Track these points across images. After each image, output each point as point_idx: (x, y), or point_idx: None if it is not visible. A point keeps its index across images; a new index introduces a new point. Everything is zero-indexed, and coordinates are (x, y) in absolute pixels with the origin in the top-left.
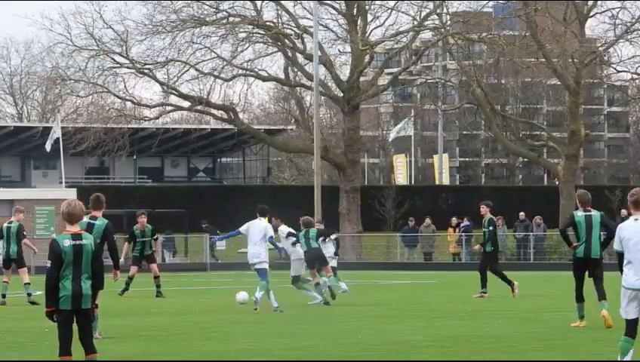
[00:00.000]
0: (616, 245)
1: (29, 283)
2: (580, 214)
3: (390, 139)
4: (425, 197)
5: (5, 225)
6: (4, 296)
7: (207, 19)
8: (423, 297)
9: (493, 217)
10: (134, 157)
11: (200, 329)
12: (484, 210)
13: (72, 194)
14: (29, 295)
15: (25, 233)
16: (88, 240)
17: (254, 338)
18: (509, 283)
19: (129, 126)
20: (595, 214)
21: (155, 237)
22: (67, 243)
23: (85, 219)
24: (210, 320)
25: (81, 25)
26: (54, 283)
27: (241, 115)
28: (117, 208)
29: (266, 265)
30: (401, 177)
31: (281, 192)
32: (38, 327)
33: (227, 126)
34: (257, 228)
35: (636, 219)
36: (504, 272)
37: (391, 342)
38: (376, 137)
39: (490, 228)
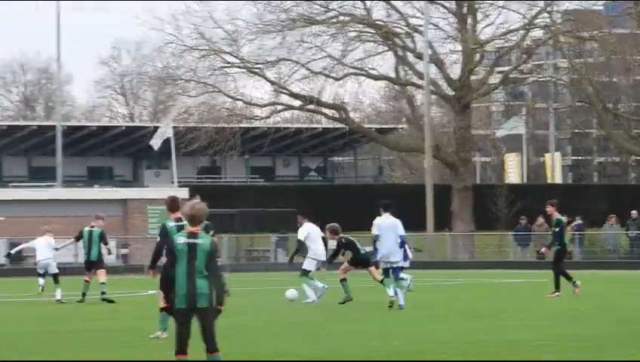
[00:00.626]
0: None
1: (104, 283)
2: None
3: (498, 135)
4: (537, 196)
5: (87, 229)
6: (84, 294)
7: (317, 18)
8: (535, 296)
9: (562, 217)
10: (246, 156)
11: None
12: (550, 209)
13: (183, 193)
14: (102, 293)
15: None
16: (204, 240)
17: (362, 336)
18: (571, 281)
19: (240, 125)
20: None
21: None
22: (182, 241)
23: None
24: (334, 317)
25: (191, 25)
26: (169, 281)
27: (352, 114)
28: (228, 208)
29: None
30: (512, 176)
31: (393, 191)
32: (140, 327)
33: (338, 125)
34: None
35: None
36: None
37: (505, 342)
38: (488, 136)
39: (557, 228)
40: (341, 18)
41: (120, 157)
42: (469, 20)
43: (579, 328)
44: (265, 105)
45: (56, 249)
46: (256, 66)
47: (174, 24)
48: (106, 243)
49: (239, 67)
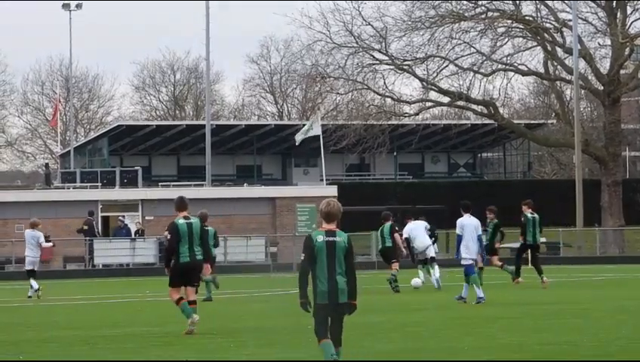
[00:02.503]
0: None
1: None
2: None
3: None
4: None
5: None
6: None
7: (466, 14)
8: None
9: None
10: (394, 153)
11: (460, 324)
12: None
13: (332, 191)
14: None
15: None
16: (341, 238)
17: (518, 332)
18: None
19: (389, 122)
20: None
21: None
22: (320, 239)
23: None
24: (470, 316)
25: (340, 22)
26: (306, 277)
27: (501, 110)
28: (378, 205)
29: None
30: None
31: (542, 187)
32: (296, 323)
33: (487, 121)
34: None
35: None
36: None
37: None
38: (638, 130)
39: None
40: (490, 14)
41: (268, 156)
42: (619, 14)
43: None
44: (413, 102)
45: None
46: (404, 63)
47: (323, 22)
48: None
49: (388, 64)
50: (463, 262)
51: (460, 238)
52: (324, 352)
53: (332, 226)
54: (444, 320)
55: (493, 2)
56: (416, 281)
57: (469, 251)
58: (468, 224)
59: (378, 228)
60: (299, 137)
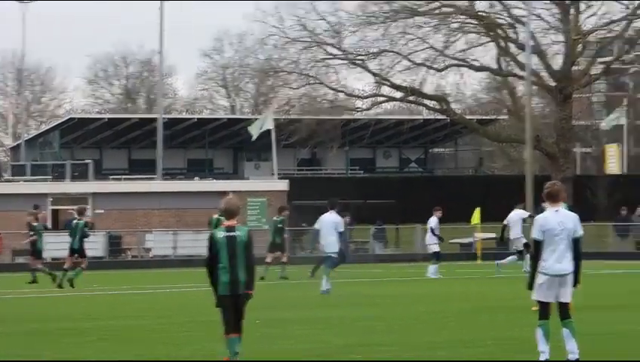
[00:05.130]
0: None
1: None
2: None
3: (603, 126)
4: (638, 187)
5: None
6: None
7: (420, 9)
8: (634, 286)
9: None
10: (346, 148)
11: (422, 320)
12: None
13: (283, 185)
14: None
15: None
16: (241, 233)
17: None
18: None
19: (341, 117)
20: None
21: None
22: (221, 234)
23: None
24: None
25: (294, 17)
26: (212, 272)
27: (453, 105)
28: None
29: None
30: (613, 166)
31: (493, 182)
32: None
33: (439, 116)
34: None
35: (557, 211)
36: None
37: (615, 333)
38: (589, 127)
39: None
40: (444, 9)
41: (220, 150)
42: (572, 11)
43: None
44: (366, 97)
45: None
46: (358, 58)
47: (277, 16)
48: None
49: (341, 59)
50: (322, 255)
51: (317, 232)
52: (229, 347)
53: (233, 222)
54: (402, 315)
55: None
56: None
57: (328, 245)
58: (326, 220)
59: None
60: (254, 131)
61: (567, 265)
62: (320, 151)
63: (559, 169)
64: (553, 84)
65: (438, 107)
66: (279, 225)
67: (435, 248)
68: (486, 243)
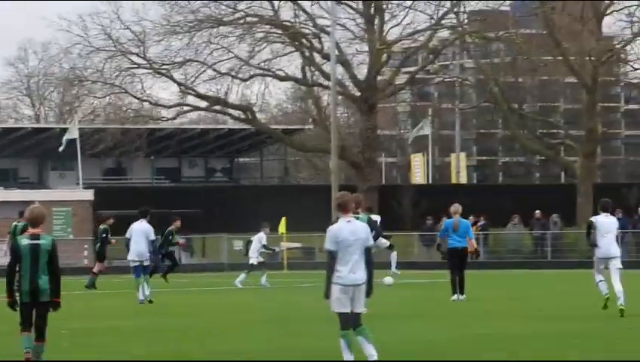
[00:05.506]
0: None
1: None
2: None
3: (410, 141)
4: (442, 196)
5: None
6: None
7: (225, 19)
8: (437, 296)
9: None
10: (152, 157)
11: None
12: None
13: (89, 195)
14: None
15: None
16: (45, 241)
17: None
18: None
19: (146, 127)
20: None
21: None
22: (25, 242)
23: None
24: (229, 320)
25: (98, 26)
26: (12, 278)
27: (258, 115)
28: (134, 209)
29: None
30: (418, 176)
31: (299, 192)
32: None
33: (244, 126)
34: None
35: (348, 221)
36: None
37: (413, 342)
38: (394, 136)
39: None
40: (248, 19)
41: (25, 159)
42: (376, 21)
43: (474, 329)
44: (171, 107)
45: None
46: (162, 67)
47: (82, 25)
48: None
49: (146, 68)
50: (131, 264)
51: (127, 241)
52: (22, 343)
53: (37, 230)
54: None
55: (252, 7)
56: (389, 279)
57: (140, 254)
58: (137, 229)
59: None
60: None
61: (361, 274)
62: (125, 160)
63: (365, 178)
64: (358, 93)
65: (243, 117)
66: (104, 235)
67: (257, 260)
68: (292, 252)
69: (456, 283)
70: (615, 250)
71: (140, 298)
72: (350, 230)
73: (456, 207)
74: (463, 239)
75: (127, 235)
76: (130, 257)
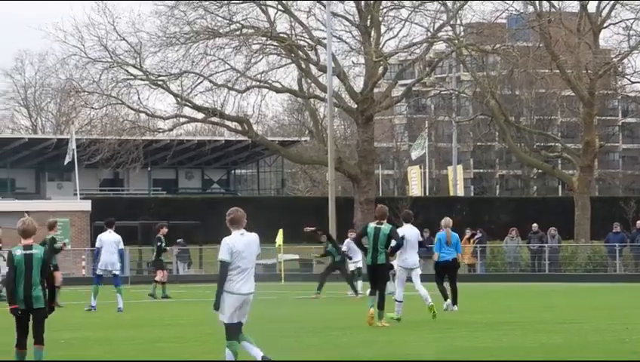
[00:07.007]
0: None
1: None
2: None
3: (414, 158)
4: (439, 209)
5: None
6: None
7: (221, 30)
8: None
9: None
10: (148, 168)
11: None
12: None
13: (86, 205)
14: None
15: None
16: (38, 251)
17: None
18: None
19: (143, 138)
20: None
21: None
22: (19, 253)
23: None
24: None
25: (94, 37)
26: (12, 286)
27: (255, 127)
28: (131, 220)
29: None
30: (415, 188)
31: (296, 204)
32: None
33: (241, 137)
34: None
35: (242, 234)
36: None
37: (404, 354)
38: (391, 148)
39: None
40: (245, 31)
41: (22, 169)
42: (373, 33)
43: (480, 341)
44: (168, 118)
45: None
46: (159, 79)
47: (78, 36)
48: None
49: (142, 79)
50: (98, 273)
51: (97, 251)
52: (16, 357)
53: (29, 241)
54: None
55: (248, 19)
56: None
57: (113, 264)
58: (108, 239)
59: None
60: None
61: (252, 285)
62: (122, 171)
63: (362, 190)
64: (355, 106)
65: (239, 128)
66: (159, 243)
67: None
68: (289, 264)
69: (445, 290)
70: None
71: (93, 304)
72: (244, 242)
73: (447, 221)
74: (453, 251)
75: (98, 245)
76: (101, 267)
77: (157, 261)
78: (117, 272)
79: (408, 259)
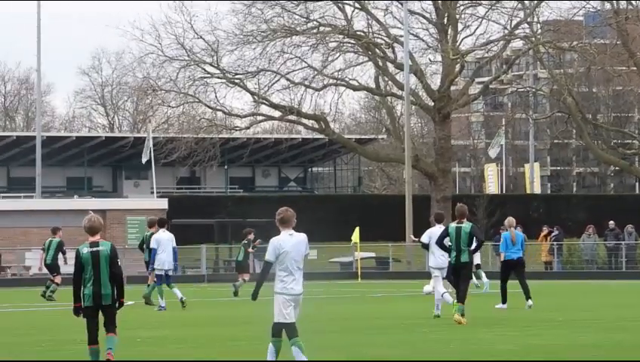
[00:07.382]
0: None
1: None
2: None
3: (494, 156)
4: (516, 206)
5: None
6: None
7: (298, 28)
8: (513, 305)
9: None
10: (225, 167)
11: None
12: None
13: (163, 204)
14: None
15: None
16: (105, 247)
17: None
18: None
19: (220, 136)
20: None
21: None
22: (86, 250)
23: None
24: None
25: (171, 35)
26: (78, 285)
27: (332, 125)
28: (208, 218)
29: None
30: (492, 186)
31: (373, 202)
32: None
33: (318, 135)
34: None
35: (290, 235)
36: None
37: (481, 352)
38: (468, 146)
39: None
40: (322, 29)
41: (99, 168)
42: (450, 31)
43: (554, 339)
44: (245, 116)
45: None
46: (236, 77)
47: (155, 35)
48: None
49: (219, 78)
50: (157, 273)
51: (154, 252)
52: (90, 356)
53: (96, 238)
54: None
55: (325, 17)
56: (427, 287)
57: (165, 263)
58: (164, 238)
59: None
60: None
61: (300, 286)
62: (199, 169)
63: (438, 188)
64: (432, 103)
65: (316, 126)
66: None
67: None
68: (365, 262)
69: (506, 292)
70: None
71: (162, 304)
72: (292, 242)
73: (510, 221)
74: (519, 250)
75: (154, 245)
76: (158, 266)
77: (243, 264)
78: (171, 273)
79: (438, 259)
